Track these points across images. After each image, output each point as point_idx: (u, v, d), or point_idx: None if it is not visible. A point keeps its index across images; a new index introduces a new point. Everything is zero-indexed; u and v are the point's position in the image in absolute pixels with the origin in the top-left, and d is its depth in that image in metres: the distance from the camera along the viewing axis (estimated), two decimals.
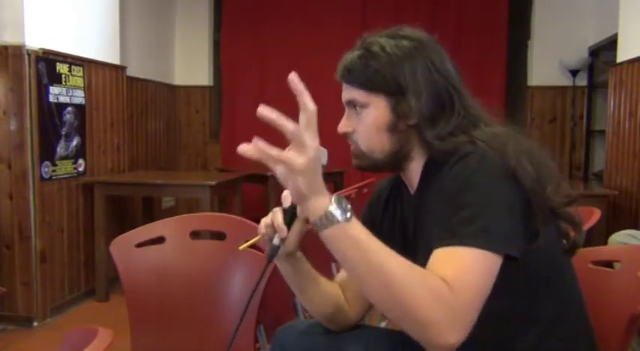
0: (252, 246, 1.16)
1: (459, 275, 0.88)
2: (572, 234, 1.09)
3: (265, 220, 1.07)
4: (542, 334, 1.04)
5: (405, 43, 1.09)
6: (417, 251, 1.10)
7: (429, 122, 1.07)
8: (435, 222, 0.98)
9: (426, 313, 0.85)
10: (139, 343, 1.63)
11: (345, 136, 1.15)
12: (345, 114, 1.15)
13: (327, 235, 0.89)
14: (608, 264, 1.36)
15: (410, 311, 0.86)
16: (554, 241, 1.06)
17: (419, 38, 1.11)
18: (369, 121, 1.10)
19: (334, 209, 0.88)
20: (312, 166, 0.85)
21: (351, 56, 1.12)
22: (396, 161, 1.13)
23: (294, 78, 0.83)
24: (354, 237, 0.89)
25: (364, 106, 1.10)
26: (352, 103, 1.12)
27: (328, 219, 0.88)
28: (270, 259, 1.05)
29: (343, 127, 1.14)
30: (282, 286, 1.64)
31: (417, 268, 0.89)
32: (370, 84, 1.09)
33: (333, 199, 0.89)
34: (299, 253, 1.12)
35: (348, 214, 0.89)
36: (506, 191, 0.95)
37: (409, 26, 1.14)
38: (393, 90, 1.08)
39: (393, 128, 1.09)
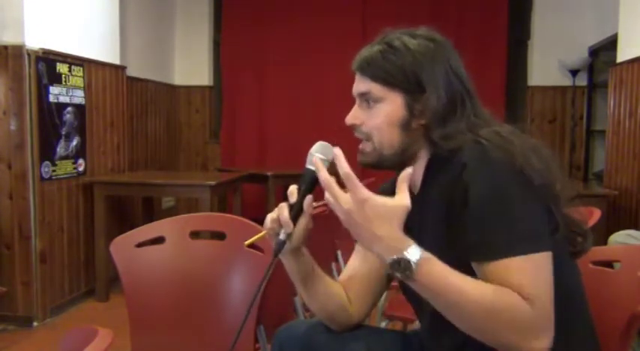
0: (253, 246, 1.15)
1: (534, 289, 0.92)
2: (579, 239, 1.10)
3: (272, 215, 1.06)
4: None
5: (426, 42, 1.10)
6: None
7: (439, 122, 1.07)
8: (458, 230, 0.99)
9: (515, 339, 0.91)
10: (139, 343, 1.63)
11: (352, 128, 1.14)
12: (356, 106, 1.14)
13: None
14: (608, 264, 1.35)
15: (501, 343, 0.93)
16: (560, 241, 1.06)
17: (438, 39, 1.12)
18: (381, 116, 1.10)
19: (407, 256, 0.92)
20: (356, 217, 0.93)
21: (371, 49, 1.12)
22: (403, 159, 1.12)
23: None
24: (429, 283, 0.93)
25: (379, 100, 1.10)
26: (366, 96, 1.11)
27: (402, 266, 0.91)
28: (275, 254, 1.05)
29: (352, 118, 1.13)
30: (282, 286, 1.64)
31: (492, 297, 0.92)
32: (390, 78, 1.08)
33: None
34: (304, 249, 1.12)
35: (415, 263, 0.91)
36: (521, 188, 0.96)
37: (426, 27, 1.14)
38: (412, 88, 1.08)
39: (405, 126, 1.09)
